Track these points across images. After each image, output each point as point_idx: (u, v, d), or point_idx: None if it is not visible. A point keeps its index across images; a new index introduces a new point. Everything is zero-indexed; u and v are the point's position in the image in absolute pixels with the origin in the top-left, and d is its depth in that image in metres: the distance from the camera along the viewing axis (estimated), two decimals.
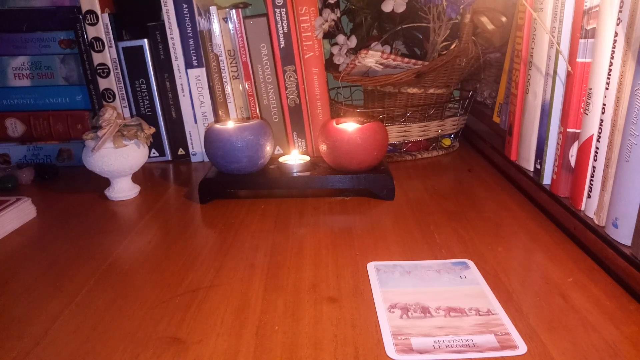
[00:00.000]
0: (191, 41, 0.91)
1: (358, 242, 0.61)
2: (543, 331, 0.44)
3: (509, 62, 0.84)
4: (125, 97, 0.94)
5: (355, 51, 0.87)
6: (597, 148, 0.56)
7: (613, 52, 0.53)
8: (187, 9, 0.89)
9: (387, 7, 0.84)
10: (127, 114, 0.95)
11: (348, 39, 0.88)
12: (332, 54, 0.90)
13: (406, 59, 0.85)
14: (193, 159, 0.98)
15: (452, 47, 0.87)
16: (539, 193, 0.69)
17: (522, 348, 0.42)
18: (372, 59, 0.84)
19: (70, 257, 0.60)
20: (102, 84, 0.93)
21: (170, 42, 0.91)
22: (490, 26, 0.87)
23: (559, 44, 0.64)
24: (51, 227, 0.69)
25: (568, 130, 0.62)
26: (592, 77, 0.57)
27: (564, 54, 0.63)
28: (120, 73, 0.93)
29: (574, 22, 0.62)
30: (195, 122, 0.95)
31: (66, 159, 0.95)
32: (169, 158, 0.98)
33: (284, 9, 0.87)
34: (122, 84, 0.93)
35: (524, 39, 0.73)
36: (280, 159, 0.79)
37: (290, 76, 0.91)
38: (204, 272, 0.55)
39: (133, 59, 0.92)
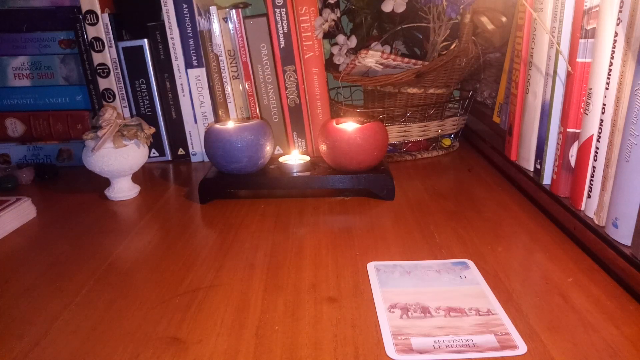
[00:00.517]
0: (191, 41, 0.91)
1: (358, 242, 0.61)
2: (543, 331, 0.44)
3: (509, 62, 0.84)
4: (125, 97, 0.94)
5: (355, 51, 0.87)
6: (597, 148, 0.56)
7: (613, 52, 0.53)
8: (187, 9, 0.89)
9: (387, 7, 0.84)
10: (127, 114, 0.95)
11: (348, 39, 0.88)
12: (332, 54, 0.90)
13: (406, 59, 0.85)
14: (193, 159, 0.98)
15: (452, 47, 0.87)
16: (539, 193, 0.69)
17: (522, 348, 0.42)
18: (372, 59, 0.84)
19: (70, 257, 0.60)
20: (102, 84, 0.93)
21: (170, 42, 0.91)
22: (490, 26, 0.87)
23: (559, 44, 0.64)
24: (51, 227, 0.69)
25: (568, 130, 0.62)
26: (592, 77, 0.57)
27: (564, 54, 0.63)
28: (120, 73, 0.93)
29: (574, 22, 0.62)
30: (195, 122, 0.95)
31: (66, 159, 0.95)
32: (169, 158, 0.98)
33: (284, 9, 0.87)
34: (122, 84, 0.93)
35: (524, 39, 0.73)
36: (280, 159, 0.79)
37: (290, 76, 0.91)
38: (204, 272, 0.55)
39: (133, 59, 0.92)
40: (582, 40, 0.59)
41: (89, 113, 0.95)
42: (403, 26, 0.91)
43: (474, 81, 0.99)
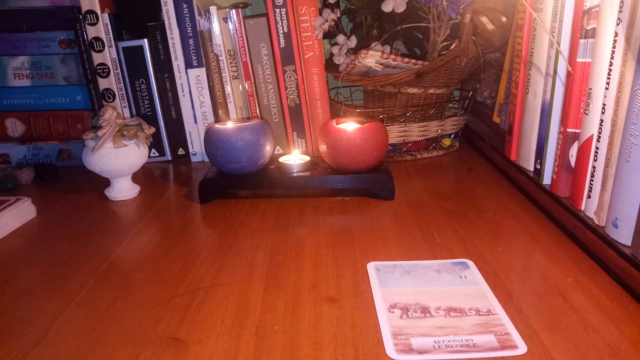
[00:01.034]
0: (191, 41, 0.91)
1: (358, 242, 0.61)
2: (543, 331, 0.44)
3: (509, 62, 0.84)
4: (125, 97, 0.94)
5: (355, 51, 0.87)
6: (597, 148, 0.56)
7: (613, 52, 0.53)
8: (187, 9, 0.89)
9: (387, 7, 0.84)
10: (127, 114, 0.95)
11: (348, 39, 0.88)
12: (332, 54, 0.90)
13: (406, 59, 0.85)
14: (193, 159, 0.98)
15: (452, 47, 0.87)
16: (539, 193, 0.69)
17: (522, 348, 0.42)
18: (372, 59, 0.84)
19: (70, 257, 0.60)
20: (102, 84, 0.93)
21: (170, 42, 0.91)
22: (490, 26, 0.87)
23: (559, 44, 0.64)
24: (51, 227, 0.69)
25: (568, 130, 0.62)
26: (592, 77, 0.57)
27: (564, 54, 0.63)
28: (120, 73, 0.93)
29: (574, 22, 0.62)
30: (195, 122, 0.95)
31: (66, 159, 0.95)
32: (169, 158, 0.98)
33: (284, 9, 0.87)
34: (122, 84, 0.93)
35: (524, 39, 0.73)
36: (280, 159, 0.79)
37: (290, 76, 0.91)
38: (204, 272, 0.55)
39: (133, 59, 0.92)
40: (582, 40, 0.59)
41: (89, 113, 0.95)
42: (403, 26, 0.91)
43: (474, 81, 0.99)
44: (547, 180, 0.68)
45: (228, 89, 0.93)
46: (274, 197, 0.76)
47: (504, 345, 0.42)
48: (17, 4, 0.92)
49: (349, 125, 0.75)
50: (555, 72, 0.65)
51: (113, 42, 0.91)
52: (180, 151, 0.98)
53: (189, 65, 0.92)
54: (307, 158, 0.78)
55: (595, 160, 0.57)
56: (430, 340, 0.43)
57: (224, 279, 0.54)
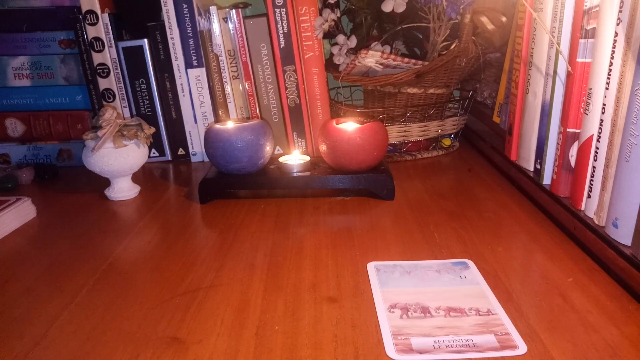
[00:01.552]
0: (191, 41, 0.91)
1: (358, 242, 0.61)
2: (543, 331, 0.44)
3: (509, 62, 0.84)
4: (125, 97, 0.94)
5: (355, 51, 0.87)
6: (597, 148, 0.56)
7: (613, 52, 0.53)
8: (187, 9, 0.89)
9: (387, 7, 0.84)
10: (127, 114, 0.95)
11: (348, 39, 0.88)
12: (332, 54, 0.90)
13: (406, 59, 0.85)
14: (193, 159, 0.98)
15: (452, 47, 0.87)
16: (539, 193, 0.69)
17: (522, 348, 0.42)
18: (372, 59, 0.84)
19: (70, 257, 0.60)
20: (102, 84, 0.93)
21: (170, 42, 0.91)
22: (490, 26, 0.87)
23: (559, 44, 0.64)
24: (51, 227, 0.69)
25: (568, 130, 0.62)
26: (592, 77, 0.57)
27: (564, 54, 0.63)
28: (120, 73, 0.93)
29: (574, 22, 0.62)
30: (195, 122, 0.95)
31: (66, 159, 0.96)
32: (169, 158, 0.98)
33: (284, 9, 0.87)
34: (122, 84, 0.93)
35: (524, 39, 0.73)
36: (280, 159, 0.79)
37: (290, 76, 0.91)
38: (204, 272, 0.55)
39: (133, 59, 0.92)
40: (582, 40, 0.59)
41: (89, 113, 0.95)
42: (403, 26, 0.91)
43: (474, 81, 0.99)
44: (547, 180, 0.68)
45: (228, 89, 0.93)
46: (274, 197, 0.76)
47: (504, 345, 0.42)
48: (17, 4, 0.92)
49: (349, 125, 0.75)
50: (555, 72, 0.65)
51: (113, 42, 0.91)
52: (180, 151, 0.98)
53: (189, 65, 0.92)
54: (307, 158, 0.78)
55: (595, 160, 0.57)
56: (430, 340, 0.43)
57: (224, 279, 0.54)
